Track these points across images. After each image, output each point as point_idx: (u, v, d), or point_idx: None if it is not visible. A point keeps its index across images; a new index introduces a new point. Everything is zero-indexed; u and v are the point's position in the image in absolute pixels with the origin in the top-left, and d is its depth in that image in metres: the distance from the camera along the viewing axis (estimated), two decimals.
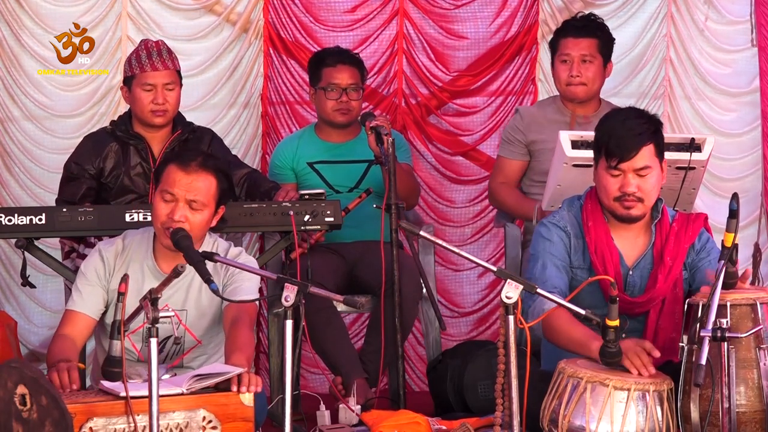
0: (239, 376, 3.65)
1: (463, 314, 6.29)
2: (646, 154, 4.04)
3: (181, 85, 5.01)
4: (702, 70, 6.38)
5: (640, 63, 6.34)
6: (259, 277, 4.12)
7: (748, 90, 6.45)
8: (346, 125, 5.37)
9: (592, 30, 5.37)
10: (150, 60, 4.92)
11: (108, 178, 4.95)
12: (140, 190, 4.96)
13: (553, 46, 5.42)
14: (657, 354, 3.78)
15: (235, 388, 3.62)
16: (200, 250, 3.92)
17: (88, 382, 4.50)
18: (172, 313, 3.60)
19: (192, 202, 4.01)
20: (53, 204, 4.99)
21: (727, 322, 3.62)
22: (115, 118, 5.17)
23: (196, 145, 5.03)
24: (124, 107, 5.11)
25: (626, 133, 4.03)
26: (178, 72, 5.00)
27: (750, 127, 6.47)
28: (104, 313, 4.15)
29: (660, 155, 4.10)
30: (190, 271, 3.78)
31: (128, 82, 4.99)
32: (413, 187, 5.37)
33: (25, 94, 5.83)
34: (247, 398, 3.63)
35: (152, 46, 4.96)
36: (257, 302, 4.14)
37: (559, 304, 3.73)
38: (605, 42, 5.39)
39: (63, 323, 4.09)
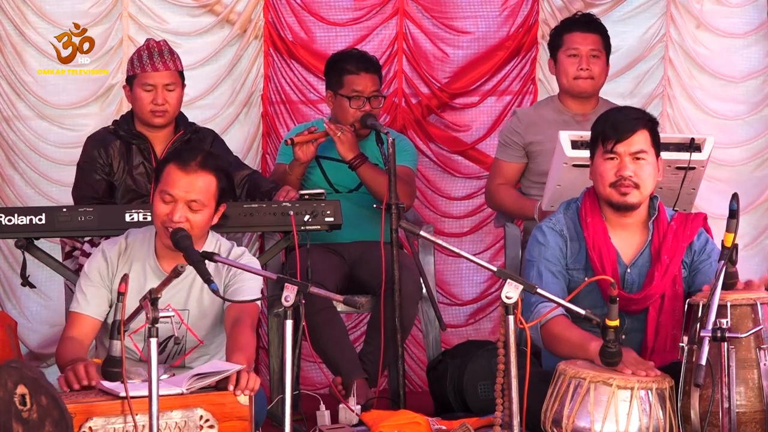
0: (238, 374, 3.65)
1: (461, 303, 6.29)
2: (641, 139, 4.08)
3: (183, 85, 5.01)
4: (700, 62, 6.36)
5: (638, 62, 6.33)
6: (261, 279, 4.11)
7: (741, 78, 6.43)
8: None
9: (597, 26, 5.43)
10: (151, 60, 4.92)
11: (114, 177, 4.96)
12: (143, 190, 4.96)
13: (556, 41, 5.42)
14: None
15: (231, 388, 3.62)
16: (201, 250, 3.92)
17: None
18: (172, 313, 3.59)
19: (192, 203, 3.98)
20: (59, 198, 4.98)
21: (727, 322, 3.62)
22: (118, 117, 5.18)
23: (197, 146, 5.02)
24: (129, 103, 5.10)
25: (623, 117, 4.12)
26: (180, 73, 5.00)
27: (741, 119, 6.45)
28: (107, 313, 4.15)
29: (655, 148, 4.12)
30: (191, 270, 3.76)
31: (130, 81, 4.99)
32: (407, 192, 5.24)
33: (29, 90, 5.84)
34: (243, 397, 3.63)
35: (154, 46, 4.96)
36: (258, 303, 4.12)
37: (560, 305, 3.74)
38: (607, 40, 5.43)
39: (69, 326, 4.06)
